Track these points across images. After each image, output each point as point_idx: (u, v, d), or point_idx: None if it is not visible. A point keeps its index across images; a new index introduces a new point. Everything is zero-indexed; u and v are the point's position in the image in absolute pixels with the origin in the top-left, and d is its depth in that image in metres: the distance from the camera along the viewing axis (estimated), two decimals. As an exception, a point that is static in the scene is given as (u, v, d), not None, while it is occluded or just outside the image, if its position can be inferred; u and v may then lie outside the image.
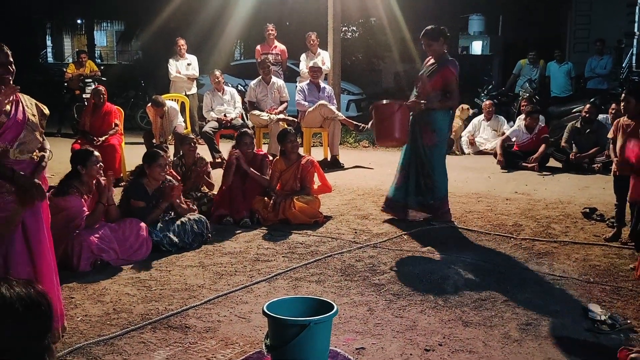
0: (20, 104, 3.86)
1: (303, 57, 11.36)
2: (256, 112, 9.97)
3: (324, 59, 11.31)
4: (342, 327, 4.10)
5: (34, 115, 3.89)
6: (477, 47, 31.51)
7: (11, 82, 3.80)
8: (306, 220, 6.58)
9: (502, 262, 5.40)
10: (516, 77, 14.38)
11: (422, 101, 6.44)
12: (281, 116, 9.86)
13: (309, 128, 10.08)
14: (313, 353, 3.37)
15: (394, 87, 21.06)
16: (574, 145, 9.90)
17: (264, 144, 10.40)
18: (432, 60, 6.69)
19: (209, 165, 7.42)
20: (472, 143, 11.73)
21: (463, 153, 11.76)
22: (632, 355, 3.44)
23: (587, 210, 6.95)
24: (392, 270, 5.21)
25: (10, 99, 3.82)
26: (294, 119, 10.00)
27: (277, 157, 7.23)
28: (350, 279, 5.02)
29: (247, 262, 5.41)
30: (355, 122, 10.29)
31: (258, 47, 11.86)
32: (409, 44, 19.49)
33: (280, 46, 11.75)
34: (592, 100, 11.17)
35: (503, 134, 10.89)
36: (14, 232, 3.75)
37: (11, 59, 3.79)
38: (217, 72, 10.48)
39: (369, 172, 9.68)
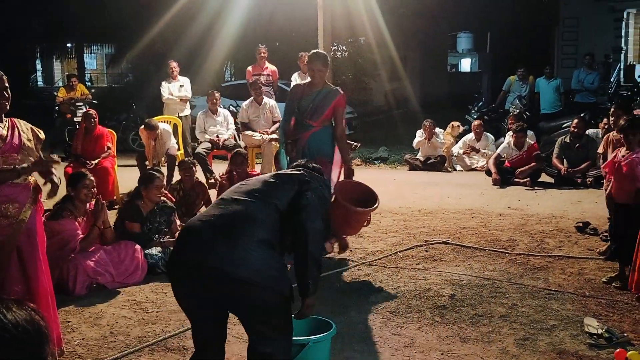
0: (16, 128, 3.87)
1: (294, 77, 11.39)
2: (249, 132, 9.99)
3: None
4: (341, 345, 4.10)
5: (29, 140, 3.90)
6: (465, 65, 31.79)
7: (7, 107, 3.81)
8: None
9: (498, 278, 5.41)
10: (506, 93, 14.47)
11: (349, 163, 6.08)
12: (274, 136, 9.88)
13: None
14: None
15: (385, 106, 21.19)
16: (564, 160, 9.96)
17: (257, 164, 10.41)
18: (316, 88, 5.99)
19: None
20: (466, 154, 11.76)
21: (455, 170, 11.81)
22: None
23: (581, 224, 6.99)
24: (389, 288, 5.22)
25: (7, 123, 3.83)
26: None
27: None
28: (347, 297, 5.02)
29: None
30: (347, 141, 10.29)
31: (249, 68, 11.90)
32: (397, 63, 19.66)
33: (271, 67, 11.80)
34: (580, 115, 11.26)
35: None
36: (9, 257, 3.74)
37: (7, 84, 3.80)
38: (217, 94, 10.60)
39: (362, 191, 9.67)
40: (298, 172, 3.31)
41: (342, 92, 5.97)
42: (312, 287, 3.07)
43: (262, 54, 11.71)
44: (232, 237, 2.88)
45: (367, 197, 5.24)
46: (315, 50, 6.14)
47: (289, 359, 3.02)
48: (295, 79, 11.34)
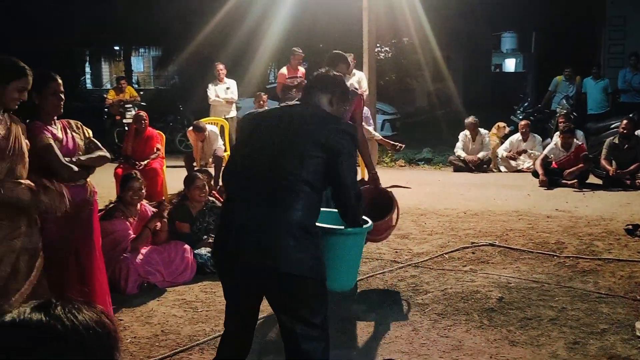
0: (69, 130, 4.00)
1: None
2: None
3: (361, 79, 11.37)
4: (388, 347, 4.12)
5: (81, 140, 4.02)
6: (510, 65, 31.48)
7: (62, 110, 3.94)
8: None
9: (546, 281, 5.36)
10: (552, 93, 14.28)
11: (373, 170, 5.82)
12: None
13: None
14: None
15: (427, 106, 21.11)
16: (613, 161, 9.80)
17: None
18: None
19: None
20: (511, 158, 11.66)
21: (500, 171, 11.71)
22: None
23: (630, 226, 6.87)
24: (435, 290, 5.22)
25: (59, 125, 3.95)
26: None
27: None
28: (393, 299, 5.04)
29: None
30: (392, 142, 10.28)
31: (283, 70, 11.90)
32: (441, 63, 19.55)
33: (301, 69, 11.91)
34: (629, 115, 11.06)
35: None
36: (68, 256, 3.86)
37: (62, 88, 3.93)
38: (264, 96, 10.82)
39: (406, 192, 9.66)
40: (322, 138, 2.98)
41: (359, 94, 5.85)
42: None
43: (298, 57, 11.78)
44: (271, 228, 2.86)
45: (387, 202, 5.18)
46: (334, 51, 6.01)
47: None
48: None
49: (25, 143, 3.60)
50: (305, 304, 2.88)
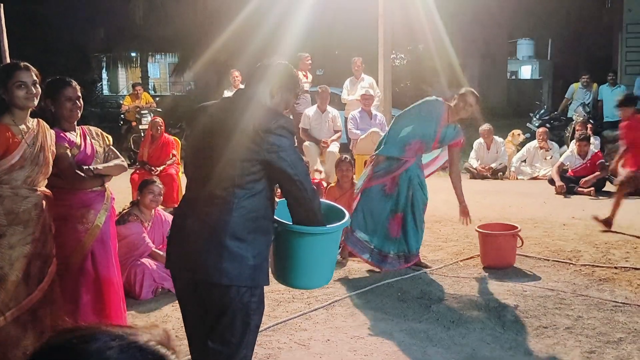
0: (87, 136, 4.03)
1: (346, 83, 11.51)
2: (307, 143, 10.11)
3: (372, 84, 11.37)
4: (402, 354, 4.11)
5: (100, 147, 4.06)
6: (526, 72, 31.33)
7: (79, 116, 3.97)
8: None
9: (562, 289, 5.32)
10: (568, 101, 14.22)
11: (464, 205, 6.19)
12: (335, 145, 9.96)
13: (361, 155, 10.12)
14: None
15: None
16: (630, 169, 9.71)
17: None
18: (454, 120, 5.91)
19: None
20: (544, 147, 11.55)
21: (516, 178, 11.65)
22: None
23: (648, 235, 6.82)
24: (450, 297, 5.20)
25: (79, 132, 3.99)
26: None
27: (332, 185, 7.30)
28: (407, 306, 5.02)
29: (304, 290, 5.44)
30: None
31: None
32: (457, 70, 19.51)
33: (310, 76, 11.98)
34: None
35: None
36: (84, 261, 3.89)
37: (79, 94, 3.96)
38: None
39: (421, 199, 9.64)
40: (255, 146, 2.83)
41: (462, 134, 5.96)
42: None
43: (308, 62, 11.83)
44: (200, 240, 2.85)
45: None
46: (471, 90, 6.03)
47: None
48: (347, 86, 11.43)
49: (51, 152, 3.65)
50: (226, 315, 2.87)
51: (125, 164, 4.28)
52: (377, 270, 5.93)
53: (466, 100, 5.78)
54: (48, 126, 3.73)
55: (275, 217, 3.01)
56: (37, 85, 3.54)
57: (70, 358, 0.91)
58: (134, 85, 15.49)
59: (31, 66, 3.58)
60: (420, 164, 6.01)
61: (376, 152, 6.00)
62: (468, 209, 6.14)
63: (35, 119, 3.65)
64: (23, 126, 3.54)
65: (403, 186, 5.89)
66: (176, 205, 8.36)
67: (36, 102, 3.57)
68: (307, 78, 11.64)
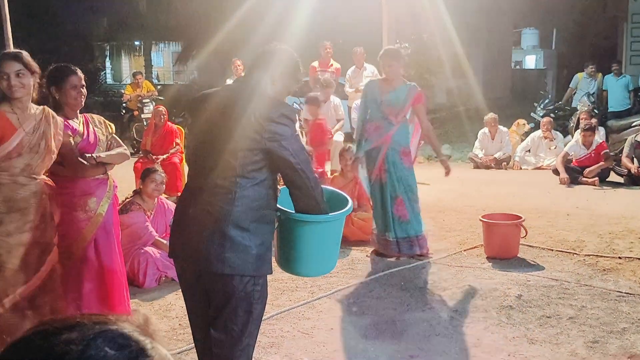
0: (90, 124, 4.02)
1: (349, 73, 11.46)
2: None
3: (374, 72, 11.32)
4: (405, 344, 4.11)
5: (103, 135, 4.05)
6: (530, 61, 31.20)
7: (82, 104, 3.97)
8: (364, 237, 6.59)
9: (566, 279, 5.31)
10: (573, 90, 14.18)
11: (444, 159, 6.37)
12: (339, 135, 9.94)
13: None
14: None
15: (447, 102, 20.99)
16: (634, 159, 9.70)
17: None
18: (393, 84, 5.95)
19: None
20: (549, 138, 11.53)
21: (520, 168, 11.62)
22: None
23: (652, 225, 6.80)
24: (453, 287, 5.19)
25: (82, 119, 3.98)
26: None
27: (336, 175, 7.29)
28: (411, 296, 5.02)
29: (308, 278, 5.45)
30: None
31: (314, 63, 11.90)
32: (461, 59, 19.43)
33: (336, 64, 11.82)
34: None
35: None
36: (87, 250, 3.89)
37: (83, 83, 3.95)
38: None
39: (425, 188, 9.59)
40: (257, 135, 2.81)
41: (419, 89, 5.99)
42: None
43: (328, 50, 11.75)
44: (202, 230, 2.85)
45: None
46: (386, 47, 6.20)
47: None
48: (349, 75, 11.38)
49: (55, 141, 3.63)
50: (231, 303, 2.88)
51: (128, 152, 4.27)
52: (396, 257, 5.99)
53: (383, 62, 5.96)
54: (54, 114, 3.71)
55: (278, 205, 3.00)
56: (27, 76, 3.49)
57: (37, 352, 0.88)
58: (134, 74, 15.47)
59: (25, 56, 3.55)
60: (399, 149, 5.98)
61: (355, 155, 6.19)
62: (448, 162, 6.34)
63: (41, 107, 3.64)
64: (23, 114, 3.53)
65: (391, 170, 5.95)
66: (179, 194, 8.41)
67: (22, 92, 3.51)
68: (330, 67, 11.52)
